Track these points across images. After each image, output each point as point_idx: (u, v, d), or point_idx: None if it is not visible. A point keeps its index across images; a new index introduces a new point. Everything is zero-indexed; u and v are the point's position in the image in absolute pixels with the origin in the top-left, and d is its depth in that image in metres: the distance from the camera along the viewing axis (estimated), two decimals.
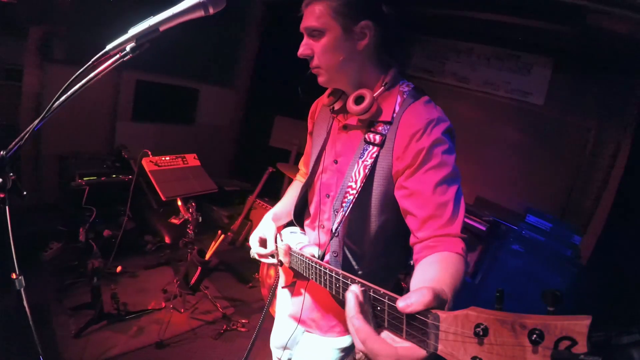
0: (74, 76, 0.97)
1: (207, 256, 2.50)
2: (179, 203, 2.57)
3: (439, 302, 0.63)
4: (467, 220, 3.40)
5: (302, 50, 1.11)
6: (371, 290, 0.72)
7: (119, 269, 2.69)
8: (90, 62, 0.97)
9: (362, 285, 0.75)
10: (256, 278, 3.23)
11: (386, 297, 0.68)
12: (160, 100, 4.13)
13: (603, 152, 2.94)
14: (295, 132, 4.04)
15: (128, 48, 0.95)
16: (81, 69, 0.97)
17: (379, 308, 0.70)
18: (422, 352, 0.63)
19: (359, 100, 1.10)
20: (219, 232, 2.62)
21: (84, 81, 0.96)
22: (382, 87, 1.12)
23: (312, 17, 1.06)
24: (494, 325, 0.49)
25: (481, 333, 0.50)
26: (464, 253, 0.94)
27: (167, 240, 2.69)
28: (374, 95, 1.10)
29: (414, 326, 0.61)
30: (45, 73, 3.01)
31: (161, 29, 0.96)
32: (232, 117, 4.85)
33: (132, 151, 3.35)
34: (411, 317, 0.62)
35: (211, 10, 0.95)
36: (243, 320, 2.77)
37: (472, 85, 3.83)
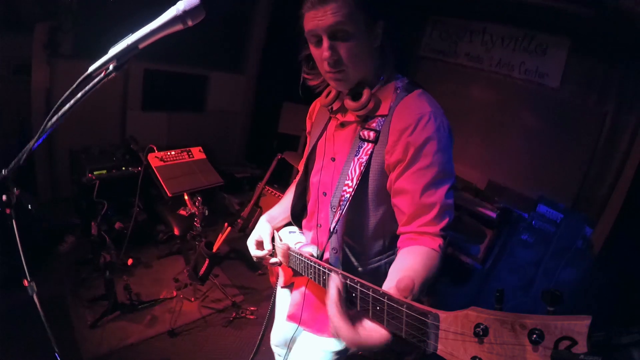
0: (62, 97, 0.99)
1: (215, 248, 2.56)
2: (186, 197, 2.62)
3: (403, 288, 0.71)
4: (477, 207, 3.37)
5: (329, 55, 1.04)
6: (370, 290, 0.75)
7: (129, 261, 2.78)
8: (74, 84, 0.98)
9: (362, 286, 0.78)
10: (266, 266, 3.29)
11: (385, 297, 0.70)
12: (169, 89, 4.12)
13: (619, 139, 2.82)
14: (303, 118, 3.99)
15: (111, 67, 0.96)
16: (67, 92, 0.99)
17: (378, 308, 0.72)
18: (383, 336, 0.73)
19: (356, 96, 1.11)
20: (225, 224, 2.67)
21: (72, 102, 0.97)
22: (379, 83, 1.13)
23: (337, 15, 0.99)
24: (494, 325, 0.50)
25: (481, 333, 0.51)
26: (440, 250, 1.00)
27: (176, 231, 2.76)
28: (372, 91, 1.11)
29: (414, 326, 0.63)
30: (53, 68, 3.04)
31: (140, 46, 0.96)
32: (243, 103, 4.83)
33: (143, 141, 3.40)
34: (410, 317, 0.63)
35: (190, 23, 0.93)
36: (252, 308, 2.85)
37: (485, 65, 3.69)
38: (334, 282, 0.79)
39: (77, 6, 3.03)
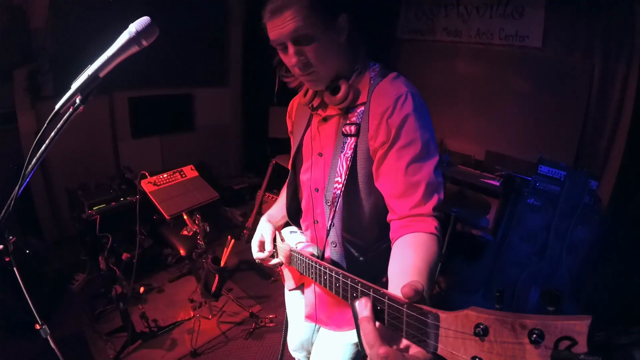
0: (35, 141, 0.99)
1: (222, 263, 2.55)
2: (185, 217, 2.62)
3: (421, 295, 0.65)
4: (479, 179, 3.35)
5: (296, 60, 1.05)
6: (371, 290, 0.73)
7: (141, 289, 2.79)
8: (45, 124, 0.98)
9: (363, 286, 0.76)
10: (278, 272, 3.29)
11: (386, 297, 0.69)
12: (156, 113, 4.13)
13: (611, 88, 2.76)
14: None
15: (77, 101, 0.96)
16: (39, 134, 0.99)
17: (378, 308, 0.71)
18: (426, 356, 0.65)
19: (335, 90, 1.12)
20: (229, 237, 2.67)
21: (47, 142, 0.97)
22: (355, 73, 1.14)
23: (295, 21, 1.00)
24: (494, 325, 0.50)
25: (481, 333, 0.51)
26: (437, 232, 0.98)
27: (182, 252, 2.76)
28: (349, 82, 1.12)
29: (414, 326, 0.62)
30: (37, 111, 3.07)
31: (101, 75, 0.97)
32: (231, 115, 4.85)
33: (139, 168, 3.41)
34: (411, 317, 0.63)
35: (145, 43, 0.94)
36: (270, 316, 2.85)
37: (465, 38, 3.65)
38: (362, 305, 0.71)
39: (52, 46, 3.04)
